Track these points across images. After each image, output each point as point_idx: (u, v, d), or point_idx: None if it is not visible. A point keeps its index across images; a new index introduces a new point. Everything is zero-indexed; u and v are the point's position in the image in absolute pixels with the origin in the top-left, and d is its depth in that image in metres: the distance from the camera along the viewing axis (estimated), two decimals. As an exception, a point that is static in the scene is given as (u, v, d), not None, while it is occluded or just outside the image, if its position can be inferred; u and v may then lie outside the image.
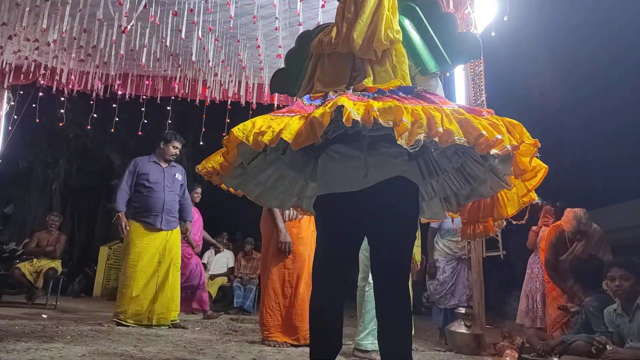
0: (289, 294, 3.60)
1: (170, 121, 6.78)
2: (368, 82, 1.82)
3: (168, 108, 6.70)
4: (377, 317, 1.80)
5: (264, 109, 6.32)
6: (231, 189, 2.10)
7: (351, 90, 1.74)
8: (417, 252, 4.80)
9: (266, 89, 6.23)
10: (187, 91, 6.37)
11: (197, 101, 6.40)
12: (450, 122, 1.50)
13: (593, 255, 3.81)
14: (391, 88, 1.75)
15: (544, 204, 4.88)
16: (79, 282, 8.89)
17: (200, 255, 7.71)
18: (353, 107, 1.50)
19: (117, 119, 6.72)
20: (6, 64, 5.80)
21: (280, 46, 5.10)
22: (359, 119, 1.47)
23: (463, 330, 4.13)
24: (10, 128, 6.11)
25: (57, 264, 6.17)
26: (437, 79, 2.08)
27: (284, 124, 1.59)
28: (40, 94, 6.31)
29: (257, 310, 7.13)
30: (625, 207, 10.52)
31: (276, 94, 6.23)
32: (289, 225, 3.70)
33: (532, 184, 1.82)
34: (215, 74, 5.91)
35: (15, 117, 6.14)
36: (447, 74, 4.65)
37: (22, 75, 5.91)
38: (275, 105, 6.28)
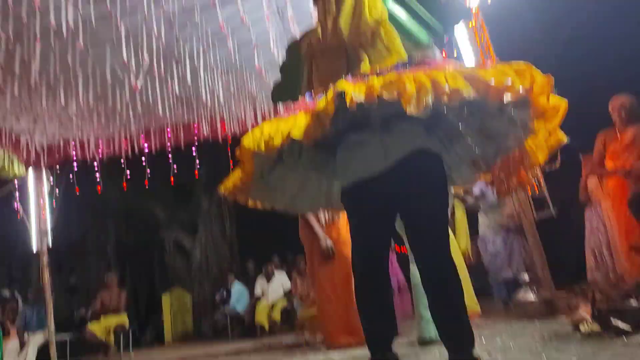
0: (343, 296, 3.61)
1: (199, 165, 6.98)
2: (365, 66, 1.82)
3: (194, 153, 6.90)
4: (425, 293, 1.78)
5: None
6: (258, 204, 2.13)
7: (350, 77, 1.74)
8: (466, 241, 4.68)
9: (281, 111, 6.31)
10: (207, 132, 6.53)
11: (220, 139, 6.55)
12: (456, 79, 1.49)
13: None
14: (389, 65, 1.75)
15: (577, 148, 4.62)
16: (149, 332, 9.23)
17: (253, 288, 7.79)
18: (354, 89, 1.51)
19: (149, 174, 6.96)
20: (38, 145, 6.16)
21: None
22: (363, 100, 1.47)
23: (531, 297, 4.00)
24: (54, 205, 6.45)
25: (123, 319, 6.46)
26: (434, 49, 2.07)
27: (291, 123, 1.61)
28: (75, 165, 6.64)
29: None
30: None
31: (274, 102, 6.30)
32: (328, 229, 3.72)
33: (555, 124, 1.76)
34: (230, 109, 6.03)
35: (57, 192, 6.48)
36: (446, 39, 4.56)
37: (54, 153, 6.25)
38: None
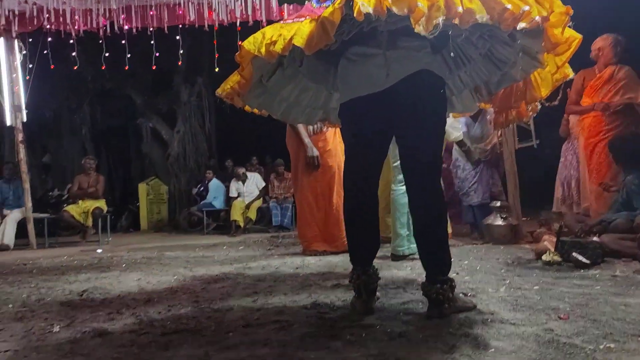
0: (323, 205, 3.69)
1: (182, 51, 6.62)
2: None
3: (177, 38, 6.50)
4: (411, 214, 1.82)
5: (275, 25, 6.04)
6: (255, 110, 2.08)
7: None
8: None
9: (273, 4, 5.90)
10: (193, 17, 6.11)
11: (206, 26, 6.16)
12: (471, 0, 1.39)
13: (634, 133, 3.66)
14: None
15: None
16: (125, 218, 9.39)
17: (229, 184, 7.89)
18: (364, 0, 1.40)
19: (129, 55, 6.59)
20: (9, 11, 5.68)
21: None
22: (371, 11, 1.38)
23: (499, 222, 4.19)
24: (27, 78, 6.12)
25: (101, 204, 6.50)
26: None
27: (295, 30, 1.52)
28: (49, 39, 6.21)
29: (296, 226, 7.44)
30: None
31: (285, 6, 5.93)
32: (314, 139, 3.69)
33: (564, 58, 1.69)
34: (220, -6, 5.60)
35: (31, 65, 6.12)
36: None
37: (27, 22, 5.79)
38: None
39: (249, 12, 6.03)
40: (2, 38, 5.90)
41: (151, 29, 6.31)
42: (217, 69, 6.45)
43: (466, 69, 2.07)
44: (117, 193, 11.08)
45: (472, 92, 2.20)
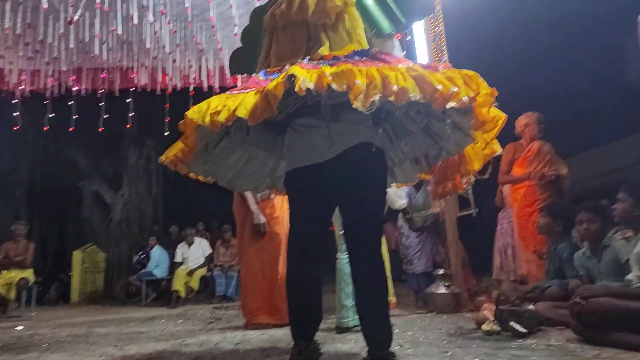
0: (269, 275, 3.59)
1: (132, 114, 6.57)
2: (324, 50, 1.80)
3: (128, 100, 6.48)
4: (353, 286, 1.81)
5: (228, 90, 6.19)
6: (200, 177, 2.05)
7: (307, 60, 1.71)
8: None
9: (228, 71, 6.09)
10: (146, 81, 6.16)
11: (159, 90, 6.21)
12: (405, 79, 1.50)
13: (562, 205, 3.91)
14: (347, 53, 1.73)
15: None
16: (55, 289, 8.65)
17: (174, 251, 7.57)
18: (306, 75, 1.49)
19: (76, 116, 6.45)
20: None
21: (236, 25, 4.97)
22: (312, 87, 1.46)
23: (442, 290, 4.23)
24: (-39, 135, 5.82)
25: (29, 274, 5.99)
26: (393, 40, 2.08)
27: (239, 101, 1.56)
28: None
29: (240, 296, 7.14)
30: (591, 155, 10.91)
31: (238, 75, 6.12)
32: (262, 205, 3.67)
33: (492, 135, 1.83)
34: (174, 61, 5.72)
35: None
36: (408, 37, 4.64)
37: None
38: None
39: (203, 78, 6.16)
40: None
41: (101, 91, 6.27)
42: (167, 132, 6.42)
43: (406, 141, 2.17)
44: (49, 261, 10.30)
45: (412, 163, 2.30)
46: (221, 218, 8.82)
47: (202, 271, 7.34)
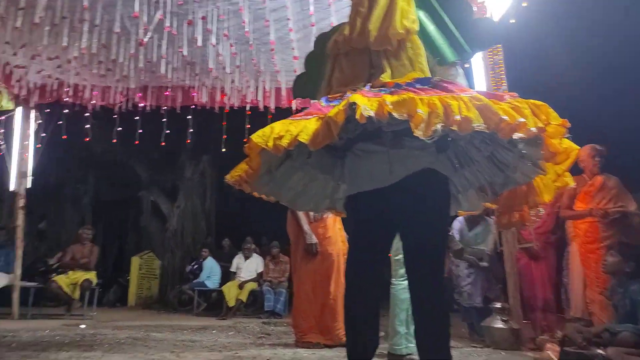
0: (320, 294, 3.59)
1: (191, 130, 6.86)
2: (385, 77, 1.79)
3: (188, 117, 6.77)
4: (413, 315, 1.76)
5: (282, 112, 6.31)
6: (263, 196, 2.09)
7: (368, 87, 1.71)
8: None
9: (284, 92, 6.22)
10: (206, 99, 6.41)
11: (217, 108, 6.44)
12: (469, 109, 1.46)
13: (630, 244, 3.64)
14: (408, 81, 1.71)
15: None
16: (113, 292, 9.09)
17: (229, 262, 7.78)
18: (367, 103, 1.48)
19: (140, 131, 6.82)
20: (31, 83, 5.97)
21: (294, 49, 5.09)
22: (373, 114, 1.45)
23: (500, 325, 4.02)
24: (39, 146, 6.28)
25: (92, 276, 6.32)
26: (457, 68, 2.03)
27: (302, 127, 1.59)
28: (65, 110, 6.47)
29: (289, 313, 7.15)
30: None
31: (300, 98, 6.23)
32: (315, 226, 3.68)
33: (564, 167, 1.75)
34: (233, 81, 5.92)
35: (44, 134, 6.31)
36: (467, 65, 4.54)
37: (46, 94, 6.07)
38: (294, 109, 6.27)
39: (260, 98, 6.33)
40: (20, 107, 6.14)
41: (164, 108, 6.59)
42: (223, 150, 6.64)
43: (470, 169, 2.09)
44: (109, 265, 10.85)
45: (477, 191, 2.19)
46: (270, 235, 8.96)
47: (252, 285, 7.44)
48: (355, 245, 1.86)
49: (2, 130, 6.14)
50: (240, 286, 7.29)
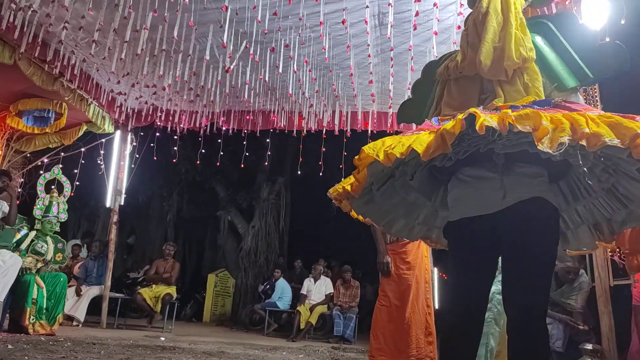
0: (395, 317, 3.51)
1: (269, 153, 7.12)
2: (498, 101, 1.70)
3: (268, 140, 7.04)
4: (508, 353, 1.64)
5: (358, 135, 6.37)
6: (360, 217, 2.04)
7: (481, 108, 1.62)
8: None
9: (359, 116, 6.28)
10: (284, 123, 6.63)
11: (294, 132, 6.63)
12: (598, 125, 1.33)
13: None
14: (525, 103, 1.62)
15: None
16: (190, 307, 9.49)
17: (300, 283, 7.84)
18: (486, 115, 1.40)
19: (222, 153, 7.19)
20: (129, 109, 6.56)
21: (371, 73, 5.15)
22: (495, 125, 1.36)
23: (594, 368, 3.66)
24: (133, 166, 6.82)
25: (172, 290, 6.66)
26: (577, 94, 1.90)
27: (414, 138, 1.53)
28: (157, 134, 6.99)
29: (357, 339, 7.03)
30: None
31: (370, 117, 6.27)
32: (395, 247, 3.65)
33: None
34: (311, 105, 6.09)
35: (137, 156, 6.85)
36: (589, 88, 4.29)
37: (142, 119, 6.63)
38: (369, 131, 6.30)
39: (336, 122, 6.43)
40: (119, 131, 6.75)
41: (245, 131, 6.91)
42: (299, 172, 6.79)
43: (585, 202, 1.90)
44: (187, 281, 11.38)
45: (591, 229, 1.99)
46: (340, 258, 8.94)
47: (322, 308, 7.42)
48: (458, 273, 1.76)
49: (102, 152, 6.75)
50: (311, 309, 7.30)
